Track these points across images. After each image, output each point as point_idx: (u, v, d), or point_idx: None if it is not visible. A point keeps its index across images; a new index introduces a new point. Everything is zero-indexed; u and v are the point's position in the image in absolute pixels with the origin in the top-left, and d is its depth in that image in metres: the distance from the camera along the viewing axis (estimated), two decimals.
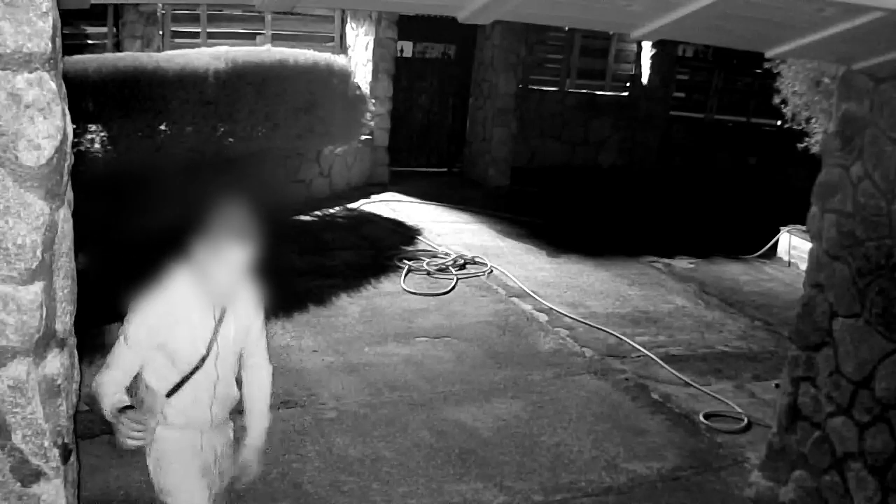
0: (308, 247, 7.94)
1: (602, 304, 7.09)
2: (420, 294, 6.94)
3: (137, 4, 8.64)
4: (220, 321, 2.62)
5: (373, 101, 10.57)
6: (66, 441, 2.05)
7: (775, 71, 5.69)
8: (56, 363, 1.99)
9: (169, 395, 2.60)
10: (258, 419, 2.87)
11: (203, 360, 2.60)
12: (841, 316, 3.65)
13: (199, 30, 9.97)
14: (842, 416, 3.65)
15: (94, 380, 2.50)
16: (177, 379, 2.60)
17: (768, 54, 3.29)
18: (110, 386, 2.49)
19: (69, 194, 2.01)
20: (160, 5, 9.33)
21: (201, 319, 2.60)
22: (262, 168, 8.64)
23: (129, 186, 6.76)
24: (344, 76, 9.55)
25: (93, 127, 6.74)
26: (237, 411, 2.85)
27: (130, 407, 2.45)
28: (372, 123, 10.58)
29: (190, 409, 2.66)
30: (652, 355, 5.95)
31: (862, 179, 3.53)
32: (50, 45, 1.76)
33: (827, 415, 3.74)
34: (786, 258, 8.91)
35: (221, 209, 2.48)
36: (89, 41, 9.10)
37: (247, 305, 2.74)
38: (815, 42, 2.90)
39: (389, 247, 8.20)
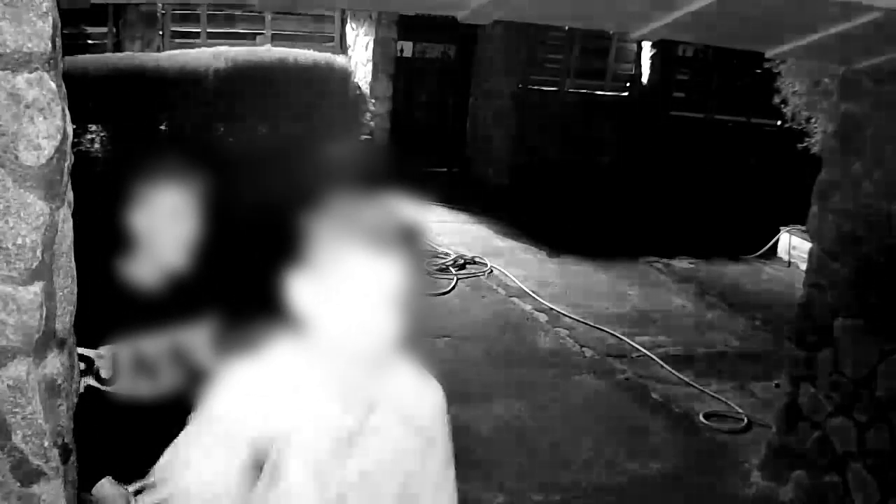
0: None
1: (602, 303, 7.08)
2: (420, 294, 6.92)
3: (137, 5, 8.64)
4: (352, 436, 1.42)
5: (373, 101, 10.56)
6: (66, 441, 2.05)
7: (775, 71, 5.69)
8: (56, 363, 1.98)
9: None
10: None
11: None
12: (841, 316, 3.65)
13: (199, 30, 9.97)
14: (842, 416, 3.65)
15: None
16: None
17: (768, 54, 3.30)
18: None
19: (69, 194, 2.01)
20: (160, 5, 9.33)
21: (320, 422, 1.43)
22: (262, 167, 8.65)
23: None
24: (344, 76, 9.54)
25: (93, 127, 6.75)
26: None
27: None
28: (372, 123, 10.57)
29: None
30: (652, 355, 5.95)
31: (862, 179, 3.53)
32: (50, 45, 1.76)
33: (827, 415, 3.74)
34: (786, 258, 8.91)
35: (338, 203, 1.43)
36: (89, 41, 9.10)
37: (414, 406, 1.48)
38: (815, 42, 2.90)
39: None
